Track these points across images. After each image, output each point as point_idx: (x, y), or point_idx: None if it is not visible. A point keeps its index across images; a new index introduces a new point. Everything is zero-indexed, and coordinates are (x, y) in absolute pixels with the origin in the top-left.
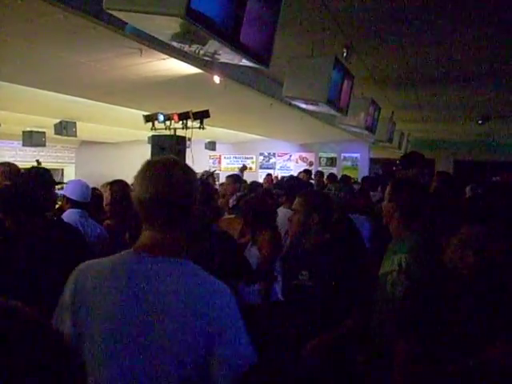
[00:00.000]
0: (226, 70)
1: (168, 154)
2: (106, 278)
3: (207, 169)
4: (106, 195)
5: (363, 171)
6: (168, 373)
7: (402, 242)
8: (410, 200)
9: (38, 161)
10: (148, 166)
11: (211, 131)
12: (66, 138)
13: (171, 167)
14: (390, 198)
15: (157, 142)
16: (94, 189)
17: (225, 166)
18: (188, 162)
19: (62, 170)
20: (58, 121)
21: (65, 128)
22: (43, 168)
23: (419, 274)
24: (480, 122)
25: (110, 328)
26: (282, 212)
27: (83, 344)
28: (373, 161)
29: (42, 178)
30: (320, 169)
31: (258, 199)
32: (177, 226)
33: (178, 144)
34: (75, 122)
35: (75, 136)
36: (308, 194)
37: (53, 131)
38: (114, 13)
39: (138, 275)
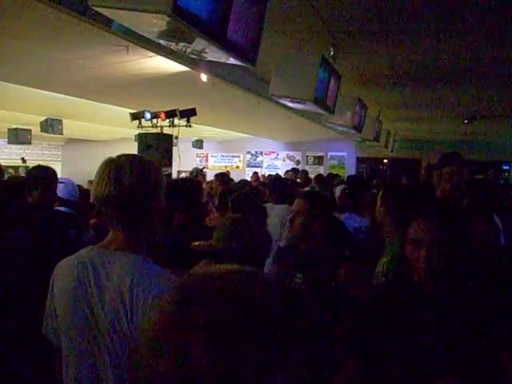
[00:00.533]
0: (214, 68)
1: (154, 152)
2: (68, 273)
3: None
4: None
5: (350, 170)
6: (106, 363)
7: (390, 245)
8: (399, 205)
9: (23, 158)
10: (105, 166)
11: (198, 129)
12: (51, 135)
13: (125, 168)
14: (382, 203)
15: (143, 140)
16: (79, 186)
17: (212, 164)
18: (175, 160)
19: None
20: (43, 118)
21: (51, 126)
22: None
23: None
24: (466, 121)
25: (67, 321)
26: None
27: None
28: (360, 160)
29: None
30: (307, 167)
31: (247, 196)
32: (132, 224)
33: (165, 142)
34: (61, 120)
35: (61, 134)
36: (313, 196)
37: (39, 129)
38: (100, 10)
39: (87, 267)
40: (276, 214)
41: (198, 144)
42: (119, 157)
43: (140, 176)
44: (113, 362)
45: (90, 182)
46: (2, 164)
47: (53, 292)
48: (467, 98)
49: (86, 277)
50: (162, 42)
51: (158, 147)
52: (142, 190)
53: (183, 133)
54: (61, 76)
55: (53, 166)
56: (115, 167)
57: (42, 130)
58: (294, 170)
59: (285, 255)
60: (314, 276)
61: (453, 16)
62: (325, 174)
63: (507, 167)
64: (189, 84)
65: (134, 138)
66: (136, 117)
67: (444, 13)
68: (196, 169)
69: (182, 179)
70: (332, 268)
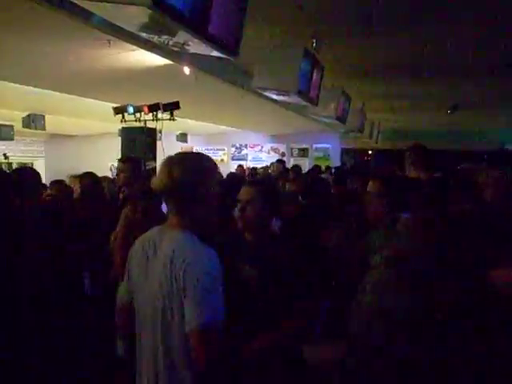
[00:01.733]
0: (196, 61)
1: (138, 146)
2: (140, 245)
3: None
4: (76, 188)
5: (335, 161)
6: (156, 314)
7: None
8: (401, 196)
9: (5, 155)
10: (161, 163)
11: (183, 123)
12: (34, 131)
13: (174, 164)
14: (380, 194)
15: (127, 135)
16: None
17: None
18: (159, 154)
19: (32, 163)
20: (26, 114)
21: (33, 121)
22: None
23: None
24: (449, 111)
25: (134, 281)
26: None
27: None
28: (344, 151)
29: None
30: (292, 160)
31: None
32: (182, 210)
33: (149, 136)
34: (44, 115)
35: (44, 129)
36: (258, 183)
37: (21, 124)
38: (80, 3)
39: (149, 241)
40: None
41: (183, 138)
42: (175, 155)
43: (187, 169)
44: (160, 317)
45: (74, 177)
46: None
47: (129, 258)
48: (450, 88)
49: (147, 248)
50: (143, 35)
51: (142, 141)
52: (187, 180)
53: (168, 127)
54: (41, 70)
55: (36, 162)
56: (169, 162)
57: (24, 126)
58: (279, 161)
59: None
60: (265, 268)
61: (436, 6)
62: (310, 166)
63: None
64: (172, 77)
65: (117, 132)
66: (119, 111)
67: (427, 3)
68: None
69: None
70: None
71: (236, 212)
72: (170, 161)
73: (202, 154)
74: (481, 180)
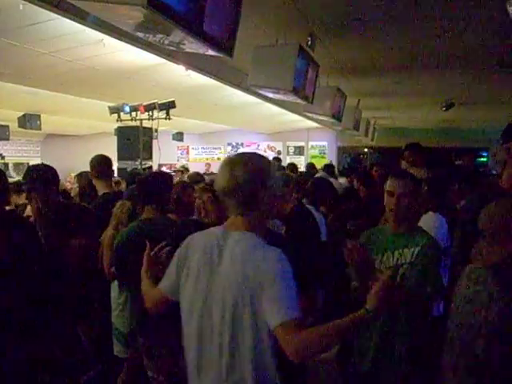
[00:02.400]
0: (192, 60)
1: (134, 145)
2: (199, 246)
3: (176, 160)
4: (75, 187)
5: (331, 159)
6: (223, 322)
7: (411, 236)
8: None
9: (1, 155)
10: (222, 163)
11: (179, 122)
12: (30, 131)
13: (235, 164)
14: (413, 194)
15: (123, 134)
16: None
17: (193, 157)
18: (155, 153)
19: (28, 163)
20: (21, 114)
21: (29, 121)
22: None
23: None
24: (444, 108)
25: (191, 282)
26: None
27: (179, 293)
28: (340, 149)
29: None
30: (288, 158)
31: None
32: (246, 210)
33: (145, 135)
34: (39, 115)
35: (39, 129)
36: None
37: (17, 124)
38: (75, 2)
39: (213, 245)
40: None
41: (179, 136)
42: (236, 155)
43: (247, 170)
44: (221, 318)
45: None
46: None
47: (181, 257)
48: (445, 85)
49: (210, 251)
50: (139, 34)
51: (138, 140)
52: (250, 180)
53: (164, 126)
54: (36, 70)
55: (32, 162)
56: (230, 164)
57: (19, 126)
58: (275, 159)
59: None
60: None
61: (429, 5)
62: (305, 164)
63: (485, 153)
64: (167, 76)
65: (113, 131)
66: (115, 110)
67: (421, 2)
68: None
69: (152, 173)
70: None
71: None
72: (232, 161)
73: (260, 154)
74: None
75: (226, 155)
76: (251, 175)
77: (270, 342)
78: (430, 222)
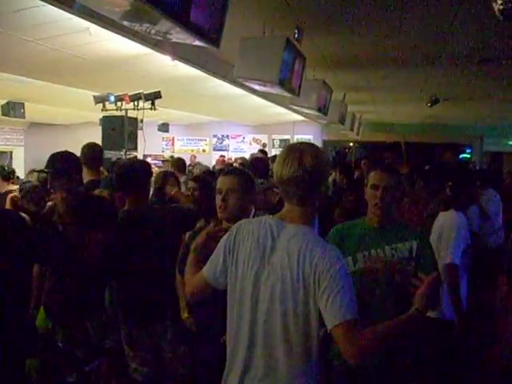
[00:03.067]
0: (178, 50)
1: (119, 135)
2: (250, 234)
3: (161, 151)
4: None
5: None
6: (274, 313)
7: (399, 230)
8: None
9: None
10: (287, 150)
11: (164, 113)
12: (13, 119)
13: (306, 152)
14: (397, 188)
15: (108, 124)
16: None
17: (178, 148)
18: (140, 143)
19: (11, 152)
20: (4, 101)
21: (12, 109)
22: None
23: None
24: (429, 104)
25: (240, 271)
26: None
27: (226, 278)
28: (326, 143)
29: None
30: (273, 151)
31: None
32: (306, 201)
33: (130, 125)
34: (23, 103)
35: (23, 117)
36: (238, 172)
37: (0, 112)
38: None
39: (266, 235)
40: None
41: (164, 127)
42: (299, 143)
43: (317, 159)
44: (270, 309)
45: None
46: None
47: (228, 244)
48: (430, 81)
49: (264, 240)
50: (125, 23)
51: (123, 131)
52: (318, 171)
53: (149, 116)
54: (20, 58)
55: (15, 151)
56: (298, 151)
57: (3, 114)
58: (261, 151)
59: None
60: None
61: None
62: None
63: (469, 149)
64: (153, 66)
65: (98, 121)
66: (100, 100)
67: None
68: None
69: (130, 160)
70: None
71: (217, 201)
72: (301, 149)
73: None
74: None
75: (212, 147)
76: (321, 165)
77: (317, 342)
78: (452, 220)
